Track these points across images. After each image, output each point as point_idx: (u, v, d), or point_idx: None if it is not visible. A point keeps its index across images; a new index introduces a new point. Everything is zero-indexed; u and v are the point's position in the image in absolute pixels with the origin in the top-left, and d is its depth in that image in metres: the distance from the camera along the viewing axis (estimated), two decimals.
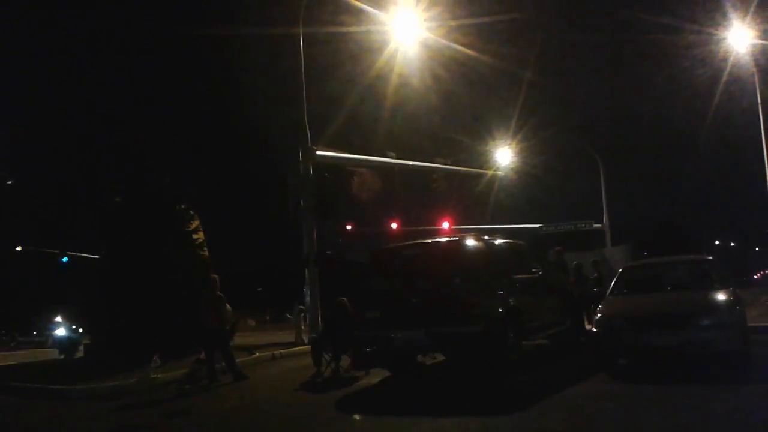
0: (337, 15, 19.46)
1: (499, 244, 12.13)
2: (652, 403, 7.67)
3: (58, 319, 33.82)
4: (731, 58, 22.64)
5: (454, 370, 11.75)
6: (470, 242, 11.31)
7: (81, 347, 17.72)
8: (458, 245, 11.35)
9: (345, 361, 11.92)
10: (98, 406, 10.44)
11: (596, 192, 37.61)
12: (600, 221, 37.21)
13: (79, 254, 31.58)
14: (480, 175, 33.03)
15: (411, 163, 26.45)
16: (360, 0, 18.01)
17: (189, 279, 15.10)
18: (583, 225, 37.61)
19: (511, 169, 35.61)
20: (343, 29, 19.87)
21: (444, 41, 20.51)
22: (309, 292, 18.78)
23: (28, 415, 10.29)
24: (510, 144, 34.82)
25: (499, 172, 34.48)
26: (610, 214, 37.31)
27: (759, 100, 23.35)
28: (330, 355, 11.87)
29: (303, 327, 19.67)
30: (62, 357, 18.08)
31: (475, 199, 35.66)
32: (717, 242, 74.88)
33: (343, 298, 12.46)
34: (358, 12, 18.42)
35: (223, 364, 12.30)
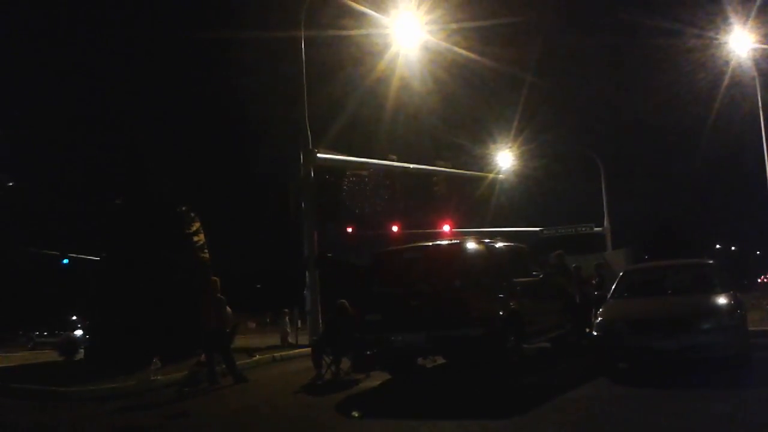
0: (338, 18, 19.52)
1: (500, 248, 12.13)
2: (653, 406, 7.66)
3: (74, 318, 33.72)
4: (732, 63, 22.68)
5: (455, 373, 11.74)
6: (471, 245, 11.30)
7: (81, 349, 17.72)
8: (459, 248, 11.35)
9: (345, 363, 11.91)
10: (98, 407, 10.42)
11: (597, 195, 37.68)
12: (601, 224, 37.22)
13: (79, 256, 31.60)
14: (481, 178, 33.10)
15: (412, 166, 26.49)
16: (361, 3, 18.06)
17: (189, 281, 15.09)
18: (584, 228, 37.62)
19: (512, 172, 35.66)
20: (345, 32, 19.93)
21: (445, 44, 20.56)
22: (309, 295, 18.78)
23: (28, 416, 10.28)
24: (511, 147, 34.89)
25: (500, 176, 34.53)
26: (611, 217, 37.35)
27: (760, 104, 23.37)
28: (330, 357, 11.86)
29: (289, 329, 19.62)
30: (62, 358, 18.08)
31: (475, 202, 35.70)
32: (718, 246, 74.84)
33: (344, 301, 12.46)
34: (360, 15, 18.47)
35: (224, 366, 12.29)
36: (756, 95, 23.73)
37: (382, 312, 10.54)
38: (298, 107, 19.14)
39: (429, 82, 27.53)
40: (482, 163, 33.76)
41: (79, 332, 26.86)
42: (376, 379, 11.19)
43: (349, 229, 38.32)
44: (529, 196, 39.76)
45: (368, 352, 10.85)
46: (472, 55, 23.05)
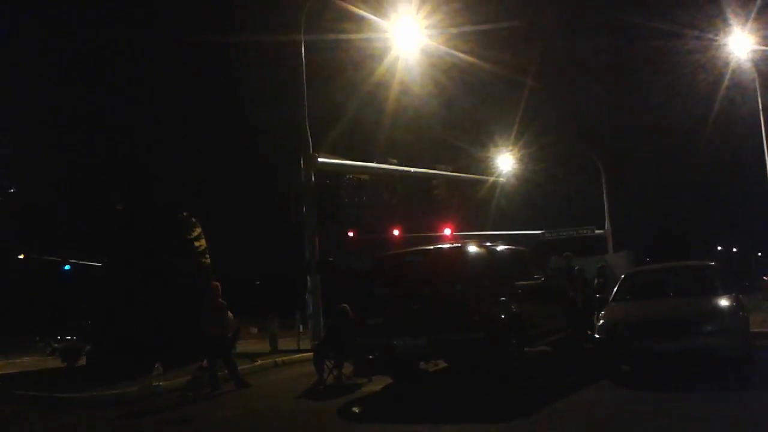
0: (338, 22, 19.54)
1: (501, 251, 12.12)
2: (656, 409, 7.65)
3: (90, 323, 33.44)
4: (732, 64, 22.71)
5: (456, 377, 11.73)
6: (472, 249, 11.28)
7: (83, 355, 17.71)
8: (460, 252, 11.33)
9: (347, 368, 11.90)
10: (100, 414, 10.42)
11: (598, 198, 37.65)
12: (602, 227, 37.21)
13: (81, 262, 31.61)
14: (481, 182, 33.12)
15: (413, 169, 26.49)
16: (361, 7, 18.09)
17: (191, 286, 15.10)
18: (585, 231, 37.60)
19: (513, 175, 35.66)
20: (345, 36, 19.96)
21: (445, 48, 20.59)
22: (311, 299, 18.77)
23: (31, 423, 10.28)
24: (511, 150, 34.89)
25: (501, 179, 34.53)
26: (612, 220, 37.32)
27: (760, 106, 23.38)
28: (332, 362, 11.85)
29: (276, 333, 19.48)
30: (64, 365, 18.07)
31: (476, 205, 35.72)
32: (719, 247, 74.77)
33: (345, 305, 12.45)
34: (359, 19, 18.49)
35: (226, 371, 12.28)
36: (756, 97, 23.74)
37: (383, 316, 10.53)
38: (298, 111, 19.16)
39: (429, 85, 27.59)
40: (483, 166, 33.80)
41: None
42: (378, 383, 11.18)
43: (350, 233, 38.38)
44: (530, 199, 39.81)
45: (370, 357, 10.84)
46: (471, 59, 23.09)
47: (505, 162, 35.09)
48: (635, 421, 7.22)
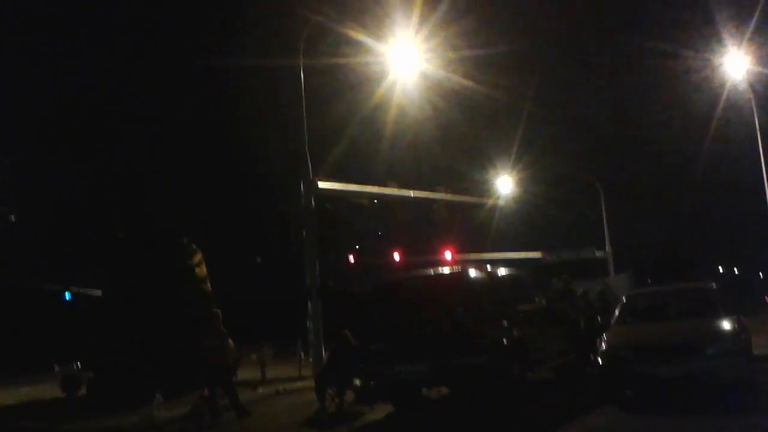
0: (336, 47, 19.68)
1: (502, 274, 12.12)
2: None
3: None
4: (728, 85, 22.86)
5: (459, 404, 11.63)
6: (473, 272, 11.28)
7: (83, 384, 17.57)
8: (461, 276, 11.32)
9: (349, 395, 11.81)
10: None
11: (598, 220, 37.65)
12: (602, 249, 37.17)
13: (81, 290, 31.51)
14: (481, 205, 33.12)
15: (412, 193, 26.52)
16: (359, 32, 18.25)
17: (191, 314, 15.04)
18: (586, 253, 37.54)
19: (512, 197, 35.69)
20: (343, 60, 20.09)
21: (443, 72, 20.73)
22: (312, 326, 18.68)
23: None
24: (510, 173, 34.97)
25: (500, 201, 34.55)
26: (612, 241, 37.29)
27: (757, 127, 23.49)
28: (334, 390, 11.77)
29: (267, 361, 19.24)
30: (64, 395, 17.94)
31: (476, 228, 35.67)
32: (721, 269, 74.49)
33: (347, 331, 12.39)
34: (358, 44, 18.63)
35: (227, 400, 12.19)
36: (752, 117, 23.86)
37: (385, 342, 10.50)
38: (298, 135, 19.23)
39: (427, 109, 27.70)
40: (482, 188, 33.82)
41: None
42: (381, 411, 11.09)
43: (351, 258, 38.26)
44: (529, 222, 39.76)
45: (372, 383, 10.78)
46: (469, 83, 23.26)
47: (505, 184, 35.15)
48: None
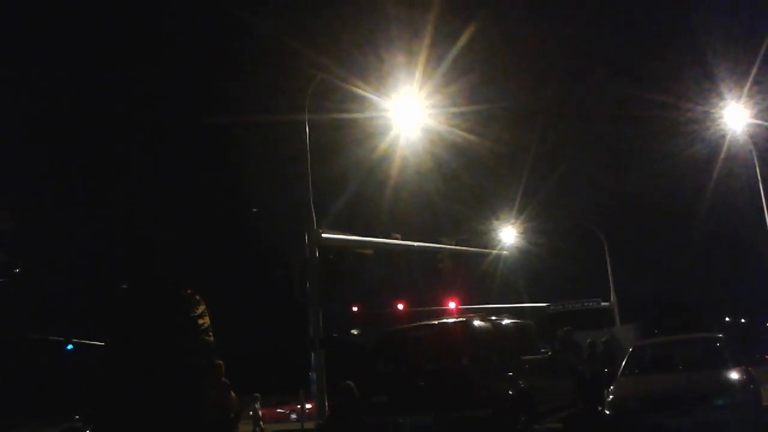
0: (341, 102, 20.05)
1: (506, 325, 12.06)
2: None
3: None
4: (728, 137, 23.09)
5: None
6: (477, 323, 11.23)
7: None
8: (465, 326, 11.27)
9: None
10: None
11: (602, 270, 37.55)
12: (608, 299, 36.96)
13: (84, 341, 31.33)
14: (485, 255, 33.10)
15: (416, 243, 26.55)
16: (363, 88, 18.61)
17: (194, 365, 14.92)
18: (591, 303, 37.33)
19: (516, 248, 35.72)
20: (348, 115, 20.44)
21: (445, 126, 21.05)
22: (315, 377, 18.49)
23: None
24: (514, 223, 35.11)
25: (504, 252, 34.54)
26: (618, 292, 37.11)
27: (759, 178, 23.60)
28: None
29: (260, 414, 18.96)
30: None
31: (480, 278, 35.58)
32: (727, 319, 73.86)
33: (350, 383, 12.25)
34: (362, 99, 18.99)
35: None
36: (753, 168, 24.01)
37: (388, 393, 10.39)
38: (301, 188, 19.40)
39: (430, 161, 28.03)
40: (486, 239, 33.89)
41: None
42: None
43: (355, 308, 38.06)
44: (533, 272, 39.67)
45: None
46: (472, 137, 23.59)
47: (508, 235, 35.24)
48: None
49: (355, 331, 11.77)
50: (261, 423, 18.66)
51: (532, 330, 13.02)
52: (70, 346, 32.96)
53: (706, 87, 23.27)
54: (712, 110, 22.44)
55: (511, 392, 10.16)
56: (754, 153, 23.55)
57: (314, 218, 19.18)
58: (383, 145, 21.18)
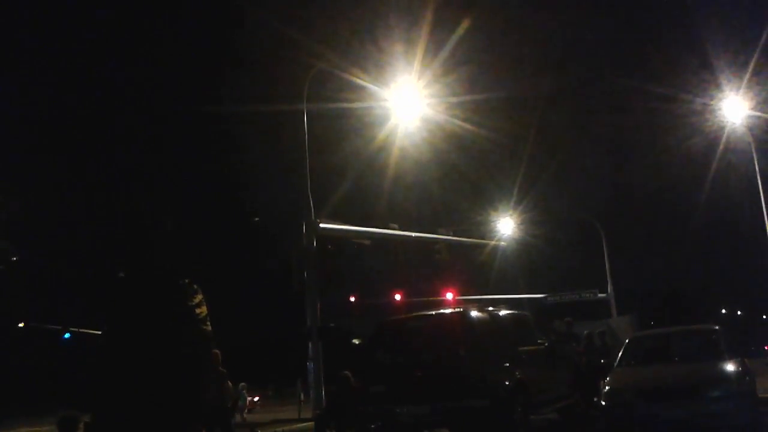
0: (340, 92, 19.98)
1: (504, 316, 12.06)
2: None
3: None
4: (727, 129, 23.07)
5: None
6: (474, 314, 11.24)
7: (81, 425, 17.36)
8: (462, 317, 11.27)
9: None
10: None
11: (600, 261, 37.61)
12: (604, 291, 37.04)
13: (81, 330, 31.34)
14: (482, 246, 33.12)
15: (414, 234, 26.55)
16: (362, 78, 18.55)
17: (191, 354, 14.94)
18: (588, 294, 37.42)
19: (513, 239, 35.74)
20: (346, 105, 20.37)
21: (444, 116, 21.00)
22: (312, 367, 18.53)
23: None
24: (511, 214, 35.09)
25: (502, 243, 34.56)
26: (615, 283, 37.18)
27: (757, 171, 23.59)
28: (334, 431, 11.63)
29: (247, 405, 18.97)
30: None
31: (478, 269, 35.61)
32: (723, 311, 74.12)
33: (347, 373, 12.29)
34: (360, 89, 18.93)
35: None
36: (752, 159, 24.01)
37: (385, 383, 10.40)
38: (300, 178, 19.37)
39: (428, 151, 27.99)
40: (484, 230, 33.89)
41: None
42: None
43: (352, 299, 38.10)
44: (531, 263, 39.73)
45: (372, 426, 10.64)
46: (470, 127, 23.54)
47: (506, 226, 35.24)
48: None
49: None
50: (245, 412, 18.67)
51: (529, 321, 13.04)
52: (67, 335, 32.99)
53: (705, 79, 23.25)
54: (711, 102, 22.41)
55: (507, 383, 10.18)
56: (753, 145, 23.54)
57: (312, 208, 19.16)
58: (382, 134, 21.13)
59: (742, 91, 21.67)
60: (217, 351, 12.95)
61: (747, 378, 9.57)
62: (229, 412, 12.35)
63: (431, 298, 32.67)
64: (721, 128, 23.17)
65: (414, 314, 12.75)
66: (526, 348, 11.51)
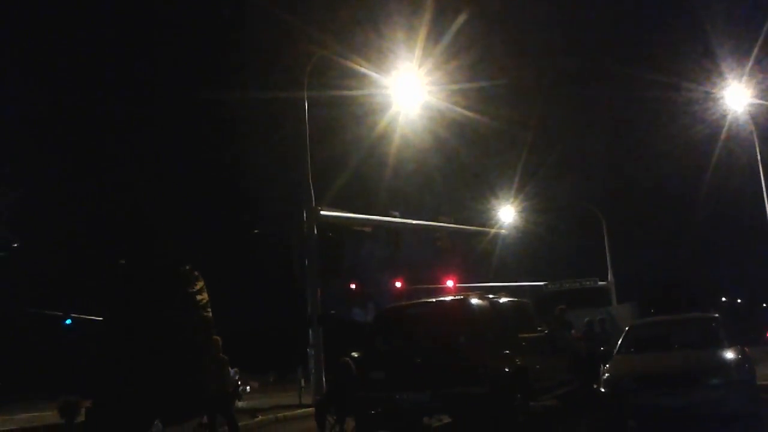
0: (340, 79, 19.93)
1: (504, 303, 12.08)
2: None
3: None
4: (729, 117, 23.01)
5: None
6: (475, 301, 11.25)
7: (82, 411, 17.43)
8: (463, 304, 11.29)
9: (350, 423, 11.71)
10: None
11: (600, 249, 37.65)
12: (605, 278, 37.10)
13: (82, 316, 31.44)
14: (483, 233, 33.16)
15: (414, 222, 26.57)
16: (363, 65, 18.49)
17: (192, 341, 14.97)
18: (588, 282, 37.48)
19: (514, 227, 35.76)
20: (347, 92, 20.32)
21: (445, 103, 20.95)
22: (313, 353, 18.60)
23: None
24: (513, 202, 35.10)
25: (503, 230, 34.58)
26: (616, 271, 37.24)
27: (759, 159, 23.54)
28: (334, 417, 11.68)
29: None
30: (63, 421, 17.80)
31: (478, 257, 35.67)
32: (724, 299, 74.20)
33: (348, 359, 12.33)
34: (361, 76, 18.87)
35: (226, 428, 12.11)
36: (754, 148, 23.95)
37: (386, 370, 10.44)
38: (300, 165, 19.37)
39: (430, 139, 27.97)
40: (484, 218, 33.91)
41: None
42: None
43: (353, 286, 38.24)
44: (532, 251, 39.77)
45: (372, 412, 10.69)
46: (471, 114, 23.50)
47: (507, 214, 35.25)
48: None
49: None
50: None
51: (529, 308, 13.06)
52: (68, 321, 33.10)
53: (707, 67, 23.15)
54: (713, 90, 22.32)
55: (507, 370, 10.22)
56: (755, 133, 23.48)
57: (313, 195, 19.17)
58: (383, 122, 21.09)
59: (744, 79, 21.60)
60: (217, 337, 13.01)
61: (746, 366, 9.60)
62: (230, 398, 12.41)
63: (432, 286, 32.76)
64: (724, 116, 23.11)
65: (415, 301, 12.77)
66: (526, 335, 11.54)
